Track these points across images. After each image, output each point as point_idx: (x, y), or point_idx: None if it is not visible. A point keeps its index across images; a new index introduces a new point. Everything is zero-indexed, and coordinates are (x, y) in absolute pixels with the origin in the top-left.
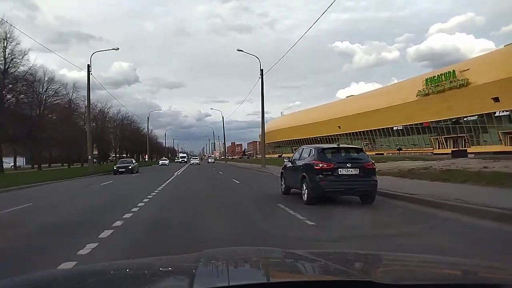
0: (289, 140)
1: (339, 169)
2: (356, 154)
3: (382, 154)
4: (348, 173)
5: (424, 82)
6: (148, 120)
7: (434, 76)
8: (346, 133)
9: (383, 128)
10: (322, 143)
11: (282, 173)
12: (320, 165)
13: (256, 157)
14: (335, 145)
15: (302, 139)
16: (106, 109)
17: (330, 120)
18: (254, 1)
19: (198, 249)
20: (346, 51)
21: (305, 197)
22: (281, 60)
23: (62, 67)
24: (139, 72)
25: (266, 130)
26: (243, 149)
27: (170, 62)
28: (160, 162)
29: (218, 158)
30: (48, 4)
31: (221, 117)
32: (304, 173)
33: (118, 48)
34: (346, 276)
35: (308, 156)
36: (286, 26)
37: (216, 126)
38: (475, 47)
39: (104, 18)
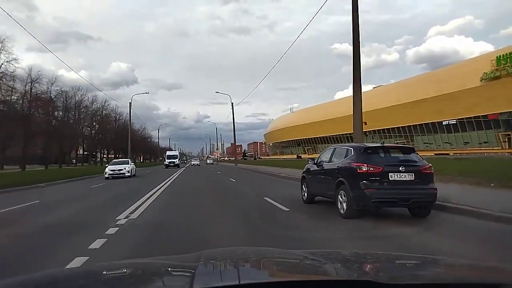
0: (300, 140)
1: (389, 174)
2: (407, 155)
3: (447, 154)
4: (401, 178)
5: (495, 61)
6: (130, 106)
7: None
8: (374, 130)
9: (427, 123)
10: (342, 143)
11: (303, 177)
12: (365, 169)
13: (259, 158)
14: (378, 144)
15: (317, 138)
16: (79, 95)
17: (350, 115)
18: (254, 3)
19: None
20: (345, 53)
21: (343, 208)
22: (281, 62)
23: (61, 67)
24: (138, 73)
25: (270, 129)
26: (243, 150)
27: (169, 63)
28: (108, 169)
29: (218, 159)
30: (47, 4)
31: (217, 120)
32: (341, 179)
33: None
34: (346, 276)
35: (345, 157)
36: (285, 28)
37: (215, 128)
38: (474, 49)
39: (103, 19)
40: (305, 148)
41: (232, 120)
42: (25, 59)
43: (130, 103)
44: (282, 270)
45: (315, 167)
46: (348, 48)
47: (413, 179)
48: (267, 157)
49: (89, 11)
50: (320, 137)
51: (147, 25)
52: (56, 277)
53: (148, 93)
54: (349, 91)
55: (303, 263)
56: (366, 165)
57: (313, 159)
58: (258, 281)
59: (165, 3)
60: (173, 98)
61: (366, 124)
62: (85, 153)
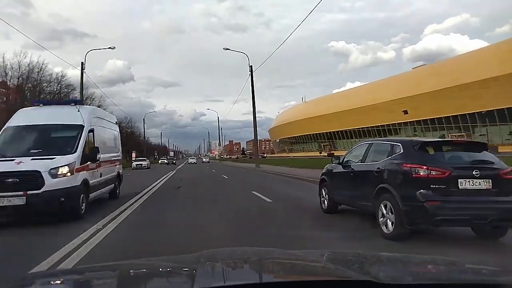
0: (314, 134)
1: (459, 180)
2: (478, 154)
3: None
4: (475, 187)
5: None
6: (82, 67)
7: None
8: (417, 121)
9: (501, 109)
10: (372, 137)
11: (323, 180)
12: (424, 172)
13: (264, 156)
14: (437, 138)
15: (337, 132)
16: (37, 65)
17: (388, 102)
18: (250, 0)
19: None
20: (342, 51)
21: (387, 226)
22: (277, 59)
23: (57, 64)
24: (134, 70)
25: (276, 123)
26: (241, 148)
27: (166, 61)
28: None
29: (220, 157)
30: (42, 1)
31: (218, 117)
32: (384, 185)
33: None
34: (347, 276)
35: (389, 155)
36: (282, 25)
37: (211, 126)
38: (470, 48)
39: (99, 16)
40: (321, 144)
41: (228, 120)
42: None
43: (82, 63)
44: (282, 270)
45: (340, 168)
46: (345, 45)
47: (490, 187)
48: (275, 155)
49: (84, 8)
50: (341, 131)
51: (143, 22)
52: (57, 277)
53: (115, 48)
54: (345, 89)
55: (304, 263)
56: (425, 167)
57: (338, 157)
58: (258, 281)
59: (161, 1)
60: (169, 96)
61: (407, 114)
62: None
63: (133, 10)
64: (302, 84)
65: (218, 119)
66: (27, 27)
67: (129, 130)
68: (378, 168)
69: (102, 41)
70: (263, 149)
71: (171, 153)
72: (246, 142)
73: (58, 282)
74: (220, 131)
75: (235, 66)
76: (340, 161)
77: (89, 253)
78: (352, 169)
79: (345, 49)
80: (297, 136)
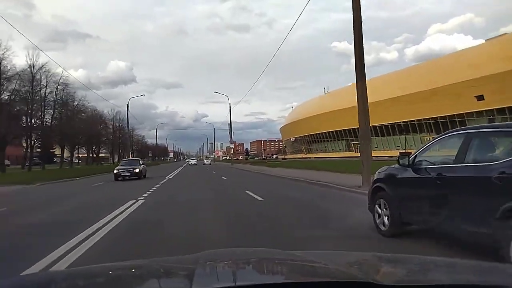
0: (341, 131)
1: None
2: None
3: None
4: None
5: None
6: None
7: None
8: (499, 109)
9: None
10: (428, 133)
11: (378, 189)
12: None
13: (281, 157)
14: None
15: (376, 126)
16: None
17: (453, 85)
18: (253, 1)
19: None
20: (345, 51)
21: None
22: (280, 60)
23: (58, 66)
24: (136, 72)
25: (291, 119)
26: (245, 149)
27: (168, 62)
28: None
29: (221, 159)
30: (46, 3)
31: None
32: None
33: None
34: (347, 277)
35: None
36: (285, 25)
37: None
38: None
39: (102, 17)
40: (351, 142)
41: None
42: (23, 56)
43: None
44: (282, 271)
45: (409, 173)
46: (348, 46)
47: None
48: (290, 157)
49: (87, 10)
50: (379, 126)
51: (146, 24)
52: (56, 277)
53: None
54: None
55: (303, 264)
56: None
57: (406, 156)
58: (257, 282)
59: (164, 2)
60: (171, 97)
61: (482, 100)
62: (36, 150)
63: (136, 11)
64: (303, 85)
65: (230, 106)
66: (29, 28)
67: (117, 125)
68: (503, 172)
69: (105, 42)
70: (267, 150)
71: (171, 155)
72: (250, 143)
73: (57, 282)
74: (231, 128)
75: (237, 67)
76: (409, 161)
77: None
78: (438, 174)
79: (347, 49)
80: (318, 134)
